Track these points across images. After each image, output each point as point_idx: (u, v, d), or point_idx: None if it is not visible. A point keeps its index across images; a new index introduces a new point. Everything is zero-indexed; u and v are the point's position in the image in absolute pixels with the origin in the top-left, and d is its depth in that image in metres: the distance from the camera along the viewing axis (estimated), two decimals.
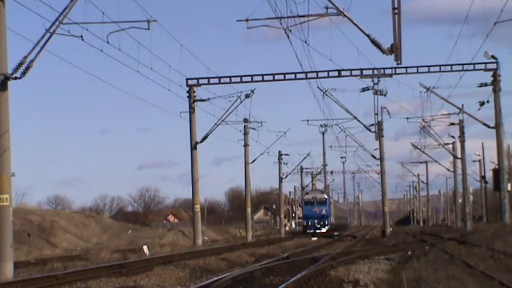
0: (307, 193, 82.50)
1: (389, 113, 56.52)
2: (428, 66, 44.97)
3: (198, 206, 47.54)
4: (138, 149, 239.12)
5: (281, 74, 45.71)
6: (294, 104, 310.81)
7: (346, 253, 30.57)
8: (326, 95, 50.49)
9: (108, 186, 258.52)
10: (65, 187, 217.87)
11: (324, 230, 76.17)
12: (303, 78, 44.81)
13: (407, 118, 57.58)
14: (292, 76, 45.20)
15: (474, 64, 44.00)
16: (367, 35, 25.83)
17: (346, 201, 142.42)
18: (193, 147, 47.33)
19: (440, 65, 44.59)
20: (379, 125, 57.22)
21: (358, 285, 17.74)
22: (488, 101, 45.42)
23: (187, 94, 46.88)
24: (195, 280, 21.07)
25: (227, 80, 45.97)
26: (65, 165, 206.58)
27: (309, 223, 77.44)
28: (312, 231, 74.99)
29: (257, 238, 61.63)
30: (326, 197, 79.88)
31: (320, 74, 44.78)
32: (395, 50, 24.43)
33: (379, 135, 57.79)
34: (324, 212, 77.38)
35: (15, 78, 24.23)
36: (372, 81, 50.99)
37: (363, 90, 51.53)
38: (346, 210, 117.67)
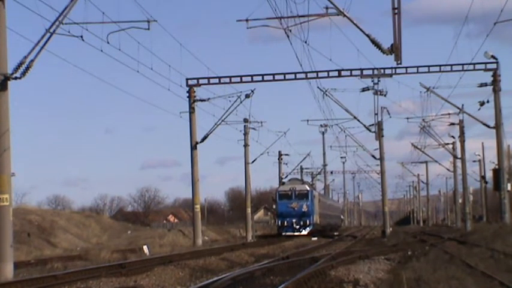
0: (283, 183, 65.09)
1: (389, 113, 56.64)
2: (428, 66, 45.03)
3: (198, 206, 47.58)
4: (142, 149, 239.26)
5: (281, 74, 45.79)
6: (294, 104, 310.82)
7: (346, 253, 30.56)
8: (326, 95, 50.58)
9: (111, 187, 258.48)
10: (68, 187, 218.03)
11: (304, 232, 60.48)
12: (303, 78, 44.90)
13: (408, 118, 57.80)
14: (292, 76, 45.28)
15: (474, 64, 44.07)
16: (367, 35, 25.86)
17: (346, 201, 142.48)
18: (194, 147, 47.38)
19: (440, 65, 44.68)
20: (379, 125, 57.27)
21: (358, 285, 17.74)
22: (488, 101, 45.50)
23: (187, 94, 46.93)
24: (195, 280, 21.06)
25: (227, 80, 46.06)
26: (68, 165, 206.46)
27: (285, 223, 61.09)
28: (288, 233, 59.83)
29: (257, 238, 61.51)
30: (308, 188, 63.11)
31: (320, 74, 44.88)
32: (395, 50, 24.47)
33: (379, 135, 57.84)
34: (304, 208, 61.11)
35: (15, 78, 24.27)
36: (372, 81, 51.11)
37: (363, 90, 51.61)
38: (337, 208, 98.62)
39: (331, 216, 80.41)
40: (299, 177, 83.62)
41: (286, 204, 61.27)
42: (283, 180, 66.05)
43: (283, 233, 59.86)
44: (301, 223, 60.79)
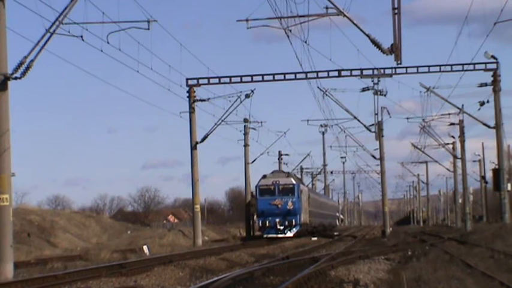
0: (264, 176, 53.16)
1: (389, 113, 56.68)
2: (428, 66, 45.04)
3: (198, 206, 47.57)
4: (144, 149, 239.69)
5: (281, 74, 45.79)
6: (294, 104, 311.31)
7: (346, 253, 30.56)
8: (326, 95, 50.58)
9: (112, 187, 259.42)
10: (68, 187, 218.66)
11: (289, 234, 51.09)
12: (303, 78, 44.90)
13: (408, 118, 57.84)
14: (292, 76, 45.28)
15: (474, 64, 44.08)
16: (367, 35, 25.88)
17: (346, 201, 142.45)
18: (194, 147, 47.37)
19: (440, 65, 44.68)
20: (379, 125, 57.28)
21: (358, 285, 17.74)
22: (488, 101, 45.53)
23: (187, 94, 46.93)
24: (195, 280, 21.06)
25: (227, 80, 46.06)
26: (69, 166, 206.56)
27: (267, 223, 51.29)
28: (271, 235, 50.53)
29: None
30: (294, 182, 52.97)
31: (320, 74, 44.88)
32: (395, 50, 24.49)
33: (379, 135, 57.84)
34: (289, 205, 51.30)
35: (15, 78, 24.29)
36: (372, 81, 51.13)
37: (363, 90, 51.64)
38: (332, 206, 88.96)
39: (324, 215, 71.66)
40: (299, 177, 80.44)
41: (268, 201, 51.57)
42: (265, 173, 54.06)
43: (265, 235, 50.86)
44: (286, 223, 51.30)
